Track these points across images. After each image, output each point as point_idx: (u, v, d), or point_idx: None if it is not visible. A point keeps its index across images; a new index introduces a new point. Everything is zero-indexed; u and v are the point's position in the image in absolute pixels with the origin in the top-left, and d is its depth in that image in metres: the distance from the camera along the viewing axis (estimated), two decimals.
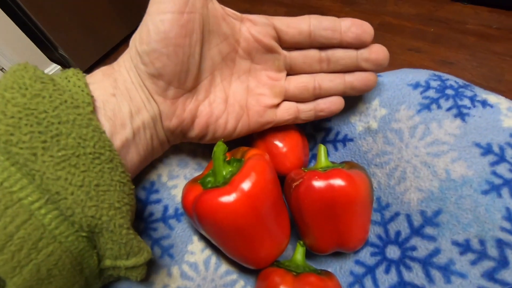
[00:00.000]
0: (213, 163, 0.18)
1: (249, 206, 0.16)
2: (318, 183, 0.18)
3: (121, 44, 1.13)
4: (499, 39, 0.88)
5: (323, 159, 0.21)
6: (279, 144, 0.22)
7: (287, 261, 0.20)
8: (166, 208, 0.21)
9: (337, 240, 0.19)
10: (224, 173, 0.18)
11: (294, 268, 0.19)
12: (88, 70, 1.06)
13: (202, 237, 0.22)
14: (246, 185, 0.16)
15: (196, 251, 0.22)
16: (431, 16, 0.97)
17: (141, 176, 0.22)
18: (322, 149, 0.21)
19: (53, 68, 1.01)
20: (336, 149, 0.25)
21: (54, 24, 0.93)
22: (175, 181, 0.22)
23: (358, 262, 0.20)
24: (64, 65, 1.04)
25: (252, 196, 0.16)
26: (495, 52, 0.85)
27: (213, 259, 0.22)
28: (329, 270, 0.21)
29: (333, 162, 0.21)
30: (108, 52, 1.11)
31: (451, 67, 0.85)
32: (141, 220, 0.21)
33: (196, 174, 0.23)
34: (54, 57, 1.02)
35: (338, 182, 0.18)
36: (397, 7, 1.02)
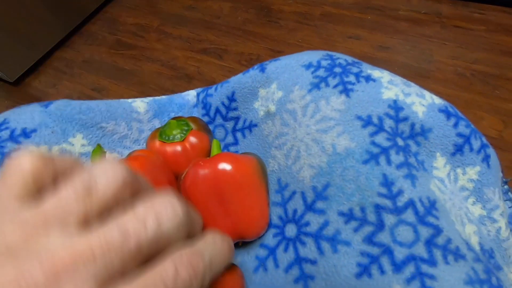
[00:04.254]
0: None
1: None
2: (203, 171, 0.18)
3: (56, 49, 1.04)
4: (427, 23, 0.95)
5: (215, 151, 0.20)
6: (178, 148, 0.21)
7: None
8: None
9: (234, 228, 0.19)
10: None
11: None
12: (20, 78, 0.96)
13: None
14: None
15: None
16: (368, 4, 1.03)
17: None
18: (215, 143, 0.20)
19: None
20: (244, 136, 0.25)
21: None
22: None
23: (262, 245, 0.21)
24: None
25: None
26: (424, 35, 0.92)
27: None
28: (238, 257, 0.21)
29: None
30: (42, 58, 1.02)
31: (387, 52, 0.91)
32: None
33: None
34: None
35: (223, 165, 0.18)
36: None
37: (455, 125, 0.20)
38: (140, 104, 0.25)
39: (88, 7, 1.12)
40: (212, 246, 0.12)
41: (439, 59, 0.88)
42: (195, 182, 0.18)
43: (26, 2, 0.93)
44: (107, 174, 0.10)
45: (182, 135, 0.21)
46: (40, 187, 0.10)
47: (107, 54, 1.04)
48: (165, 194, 0.11)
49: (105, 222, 0.10)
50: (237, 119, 0.25)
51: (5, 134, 0.20)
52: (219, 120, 0.26)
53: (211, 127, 0.26)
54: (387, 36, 0.96)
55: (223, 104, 0.25)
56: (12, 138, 0.20)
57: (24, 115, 0.21)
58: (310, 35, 0.98)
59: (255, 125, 0.24)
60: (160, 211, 0.10)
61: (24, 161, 0.10)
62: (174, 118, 0.22)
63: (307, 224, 0.19)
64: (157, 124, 0.26)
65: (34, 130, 0.20)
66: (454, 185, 0.21)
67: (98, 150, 0.17)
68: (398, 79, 0.22)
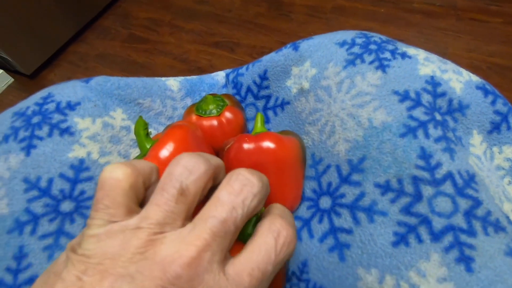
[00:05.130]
0: (136, 139, 0.18)
1: None
2: (247, 145, 0.18)
3: (70, 43, 1.06)
4: (442, 16, 0.94)
5: (259, 125, 0.21)
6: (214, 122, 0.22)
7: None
8: None
9: (269, 203, 0.19)
10: (148, 147, 0.18)
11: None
12: (36, 71, 0.98)
13: None
14: (162, 153, 0.16)
15: None
16: None
17: (66, 156, 0.20)
18: (259, 117, 0.21)
19: None
20: (276, 114, 0.25)
21: None
22: (107, 158, 0.21)
23: (296, 218, 0.21)
24: (8, 69, 0.95)
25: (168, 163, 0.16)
26: (439, 28, 0.91)
27: None
28: None
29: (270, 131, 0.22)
30: (56, 52, 1.04)
31: None
32: (72, 200, 0.20)
33: (132, 150, 0.22)
34: None
35: (267, 144, 0.18)
36: None
37: (493, 102, 0.20)
38: (173, 82, 0.25)
39: (101, 2, 1.13)
40: (289, 215, 0.14)
41: (454, 52, 0.87)
42: (239, 155, 0.18)
43: (43, 0, 0.95)
44: (189, 171, 0.12)
45: (218, 109, 0.22)
46: (139, 197, 0.12)
47: (120, 48, 1.06)
48: (244, 172, 0.12)
49: (203, 216, 0.11)
50: (268, 97, 0.25)
51: (52, 106, 0.21)
52: (250, 99, 0.26)
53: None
54: (401, 29, 0.95)
55: (254, 82, 0.26)
56: (58, 110, 0.21)
57: (67, 89, 0.22)
58: (321, 28, 0.97)
59: (288, 103, 0.24)
60: (246, 193, 0.12)
61: (120, 176, 0.11)
62: (210, 94, 0.23)
63: (343, 195, 0.19)
64: (189, 102, 0.26)
65: (78, 103, 0.21)
66: (490, 163, 0.21)
67: (141, 122, 0.18)
68: (434, 56, 0.22)
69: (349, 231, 0.18)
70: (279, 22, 1.02)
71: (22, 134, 0.21)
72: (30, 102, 0.23)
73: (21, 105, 0.24)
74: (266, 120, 0.25)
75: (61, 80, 1.01)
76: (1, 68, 0.95)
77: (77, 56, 1.05)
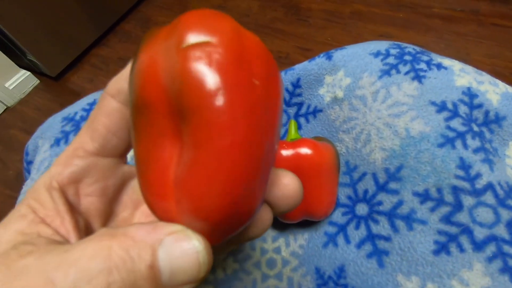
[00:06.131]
0: None
1: None
2: (285, 152, 0.19)
3: (93, 47, 1.09)
4: (463, 21, 0.92)
5: (293, 132, 0.22)
6: None
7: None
8: None
9: (305, 208, 0.20)
10: None
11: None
12: (60, 73, 1.02)
13: None
14: None
15: None
16: (399, 2, 1.01)
17: None
18: (292, 124, 0.22)
19: (22, 74, 0.97)
20: (308, 121, 0.26)
21: (20, 29, 0.89)
22: None
23: (331, 223, 0.21)
24: (34, 70, 1.00)
25: None
26: (460, 33, 0.90)
27: None
28: (305, 233, 0.22)
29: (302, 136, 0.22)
30: (80, 55, 1.08)
31: None
32: None
33: None
34: (23, 63, 0.98)
35: (304, 150, 0.19)
36: None
37: None
38: None
39: (122, 7, 1.17)
40: None
41: (476, 58, 0.85)
42: (277, 160, 0.19)
43: (65, 3, 0.99)
44: None
45: None
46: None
47: None
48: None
49: None
50: (300, 104, 0.26)
51: None
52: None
53: None
54: (420, 34, 0.94)
55: (287, 90, 0.26)
56: None
57: None
58: (339, 33, 0.97)
59: (320, 111, 0.25)
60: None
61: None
62: None
63: (380, 203, 0.20)
64: None
65: None
66: None
67: None
68: (469, 68, 0.22)
69: (387, 238, 0.19)
70: (296, 27, 1.03)
71: (72, 137, 0.22)
72: (77, 108, 0.25)
73: (69, 110, 0.25)
74: (298, 127, 0.26)
75: (84, 82, 1.05)
76: (28, 70, 1.00)
77: (99, 59, 1.09)
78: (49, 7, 0.97)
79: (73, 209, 0.10)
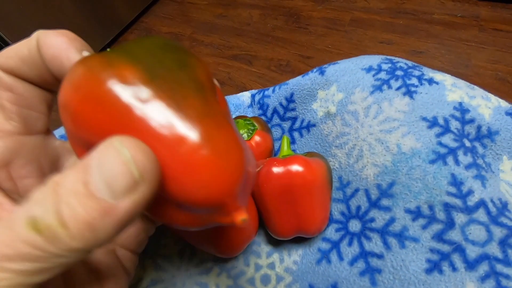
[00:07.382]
0: None
1: None
2: (277, 169, 0.19)
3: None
4: (464, 27, 0.92)
5: (285, 148, 0.22)
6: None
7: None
8: None
9: (298, 225, 0.20)
10: None
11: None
12: None
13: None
14: None
15: (169, 244, 0.22)
16: (399, 8, 1.01)
17: None
18: (285, 139, 0.22)
19: None
20: (301, 135, 0.26)
21: (23, 39, 0.92)
22: None
23: (324, 239, 0.21)
24: None
25: None
26: (461, 39, 0.89)
27: (188, 250, 0.22)
28: (299, 249, 0.22)
29: (295, 152, 0.22)
30: None
31: (421, 56, 0.89)
32: None
33: None
34: None
35: (295, 167, 0.19)
36: (367, 2, 1.05)
37: None
38: None
39: (125, 18, 1.20)
40: None
41: (477, 63, 0.85)
42: (268, 178, 0.19)
43: (68, 14, 1.02)
44: None
45: (249, 134, 0.23)
46: None
47: None
48: None
49: None
50: (294, 119, 0.26)
51: None
52: (276, 120, 0.27)
53: None
54: (421, 40, 0.94)
55: (281, 104, 0.27)
56: None
57: None
58: (339, 40, 0.98)
59: (313, 125, 0.25)
60: None
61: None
62: (240, 117, 0.24)
63: (372, 220, 0.20)
64: None
65: None
66: None
67: None
68: (461, 82, 0.22)
69: (380, 256, 0.19)
70: (296, 35, 1.04)
71: None
72: None
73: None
74: (292, 141, 0.26)
75: None
76: None
77: None
78: (53, 18, 1.00)
79: (7, 195, 0.10)
